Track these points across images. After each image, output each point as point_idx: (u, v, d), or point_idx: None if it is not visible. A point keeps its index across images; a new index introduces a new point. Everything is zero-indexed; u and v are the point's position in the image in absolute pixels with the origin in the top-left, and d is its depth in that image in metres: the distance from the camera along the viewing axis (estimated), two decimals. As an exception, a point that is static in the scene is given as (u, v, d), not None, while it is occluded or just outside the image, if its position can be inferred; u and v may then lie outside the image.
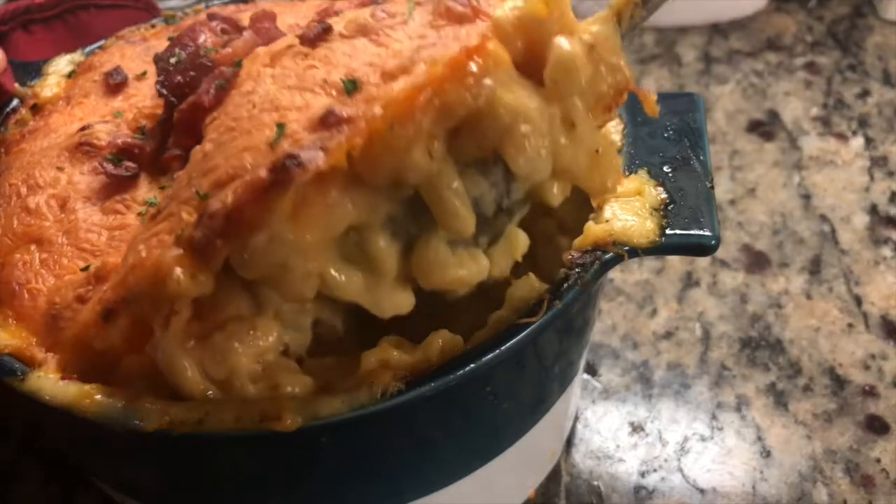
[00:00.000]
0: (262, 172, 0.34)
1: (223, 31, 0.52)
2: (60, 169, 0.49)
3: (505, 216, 0.40)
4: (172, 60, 0.49)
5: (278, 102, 0.39)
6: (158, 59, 0.50)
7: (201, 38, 0.50)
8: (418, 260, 0.39)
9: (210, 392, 0.38)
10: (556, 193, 0.41)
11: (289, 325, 0.40)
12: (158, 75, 0.50)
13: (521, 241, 0.43)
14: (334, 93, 0.37)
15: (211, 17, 0.54)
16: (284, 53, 0.43)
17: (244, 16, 0.55)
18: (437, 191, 0.37)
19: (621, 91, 0.40)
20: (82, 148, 0.50)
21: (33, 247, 0.46)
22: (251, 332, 0.38)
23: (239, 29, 0.52)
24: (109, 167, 0.48)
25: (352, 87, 0.37)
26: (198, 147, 0.40)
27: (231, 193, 0.35)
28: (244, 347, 0.38)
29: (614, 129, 0.49)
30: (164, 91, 0.49)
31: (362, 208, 0.36)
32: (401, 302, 0.40)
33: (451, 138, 0.36)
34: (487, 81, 0.35)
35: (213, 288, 0.36)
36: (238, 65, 0.45)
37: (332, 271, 0.37)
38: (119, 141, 0.50)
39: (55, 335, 0.42)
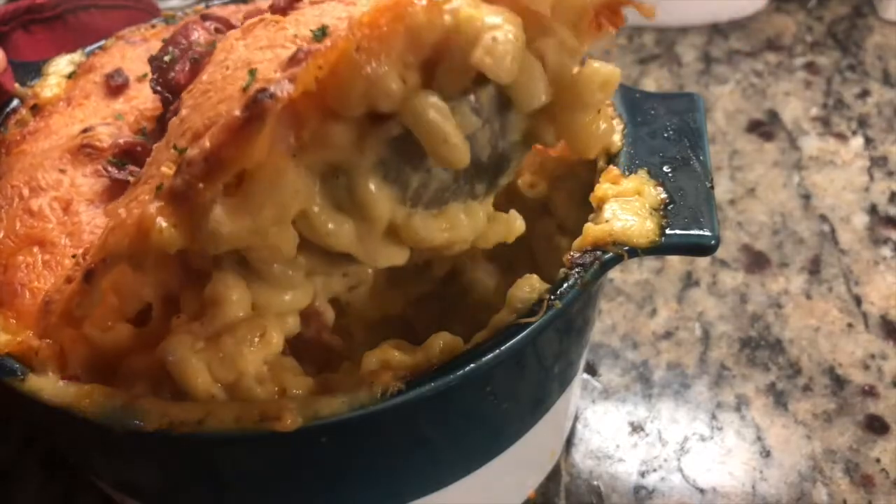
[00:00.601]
0: (237, 111, 0.34)
1: (216, 31, 0.52)
2: (63, 171, 0.49)
3: (501, 162, 0.39)
4: (166, 59, 0.50)
5: (251, 60, 0.39)
6: (153, 60, 0.50)
7: (194, 36, 0.51)
8: (405, 222, 0.38)
9: (217, 394, 0.38)
10: (553, 137, 0.40)
11: (285, 286, 0.39)
12: (153, 73, 0.50)
13: (516, 224, 0.43)
14: (305, 45, 0.37)
15: (204, 17, 0.54)
16: (256, 25, 0.43)
17: (242, 16, 0.55)
18: (423, 116, 0.35)
19: (608, 4, 0.38)
20: (84, 150, 0.50)
21: (36, 249, 0.46)
22: (259, 336, 0.38)
23: (232, 28, 0.52)
24: (113, 171, 0.48)
25: (321, 34, 0.37)
26: (175, 117, 0.41)
27: (208, 139, 0.35)
28: (252, 351, 0.38)
29: (614, 129, 0.49)
30: (159, 88, 0.49)
31: (342, 147, 0.36)
32: (394, 254, 0.39)
33: (429, 70, 0.35)
34: (453, 3, 0.34)
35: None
36: (213, 45, 0.46)
37: (322, 220, 0.36)
38: (121, 141, 0.50)
39: (47, 319, 0.42)
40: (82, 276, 0.38)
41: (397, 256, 0.39)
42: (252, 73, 0.37)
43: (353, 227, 0.37)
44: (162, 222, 0.35)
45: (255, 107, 0.33)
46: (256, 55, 0.39)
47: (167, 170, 0.37)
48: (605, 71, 0.38)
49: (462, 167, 0.37)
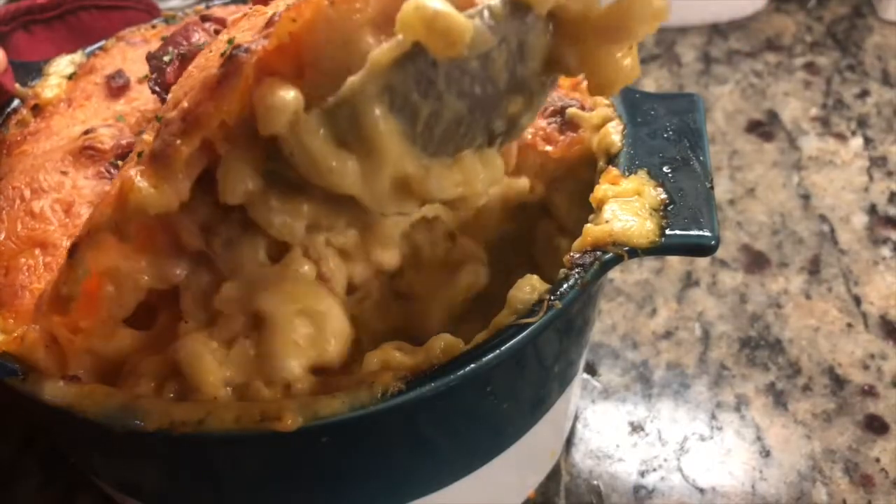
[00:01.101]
0: (213, 70, 0.34)
1: (216, 32, 0.52)
2: (64, 173, 0.49)
3: (521, 96, 0.37)
4: (166, 59, 0.50)
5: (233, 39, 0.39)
6: (151, 58, 0.50)
7: (195, 38, 0.51)
8: (417, 172, 0.36)
9: (224, 395, 0.38)
10: (576, 62, 0.36)
11: (285, 237, 0.39)
12: (151, 73, 0.50)
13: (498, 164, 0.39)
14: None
15: (204, 18, 0.54)
16: (240, 19, 0.43)
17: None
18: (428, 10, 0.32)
19: None
20: (86, 152, 0.50)
21: (37, 251, 0.46)
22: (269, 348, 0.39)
23: (230, 29, 0.53)
24: (115, 173, 0.49)
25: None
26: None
27: (186, 100, 0.35)
28: (262, 359, 0.39)
29: (614, 130, 0.49)
30: (158, 88, 0.49)
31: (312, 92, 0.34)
32: (402, 202, 0.37)
33: None
34: None
35: (179, 203, 0.36)
36: (204, 44, 0.46)
37: (323, 155, 0.34)
38: (123, 142, 0.50)
39: (38, 309, 0.42)
40: (67, 252, 0.38)
41: (406, 205, 0.37)
42: (231, 41, 0.37)
43: (358, 164, 0.35)
44: (141, 182, 0.35)
45: (230, 63, 0.33)
46: (238, 36, 0.39)
47: (148, 137, 0.37)
48: (657, 3, 0.34)
49: (468, 44, 0.33)
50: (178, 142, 0.34)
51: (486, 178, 0.38)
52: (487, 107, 0.36)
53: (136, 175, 0.35)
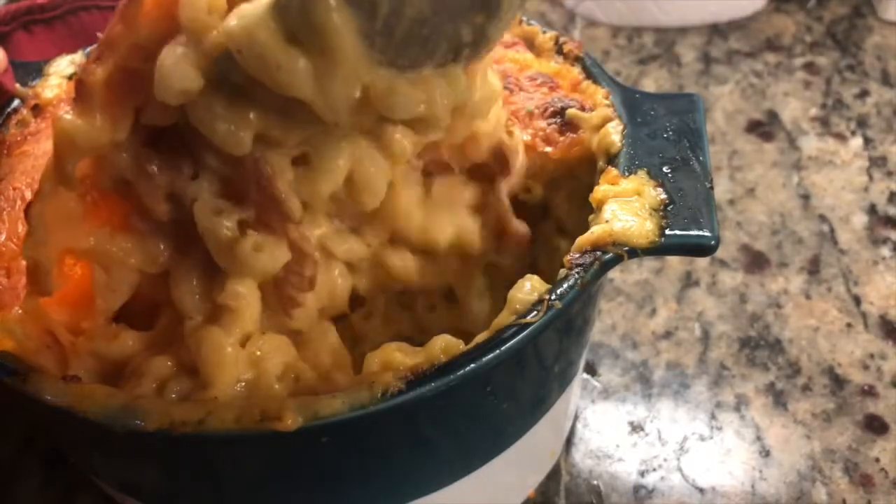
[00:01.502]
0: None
1: None
2: None
3: (490, 5, 0.34)
4: None
5: None
6: None
7: None
8: (377, 83, 0.33)
9: (234, 391, 0.39)
10: None
11: (231, 147, 0.36)
12: None
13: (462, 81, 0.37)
14: None
15: None
16: None
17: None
18: None
19: None
20: (86, 152, 0.50)
21: (38, 251, 0.46)
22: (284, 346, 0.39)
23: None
24: None
25: None
26: None
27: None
28: (272, 358, 0.39)
29: (614, 130, 0.49)
30: None
31: None
32: (360, 112, 0.34)
33: None
34: None
35: (111, 137, 0.36)
36: None
37: (271, 49, 0.32)
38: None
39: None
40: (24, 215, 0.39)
41: (363, 116, 0.34)
42: None
43: (310, 63, 0.32)
44: (66, 115, 0.35)
45: None
46: None
47: None
48: None
49: None
50: (94, 66, 0.35)
51: (451, 98, 0.36)
52: (453, 10, 0.33)
53: (62, 111, 0.36)
